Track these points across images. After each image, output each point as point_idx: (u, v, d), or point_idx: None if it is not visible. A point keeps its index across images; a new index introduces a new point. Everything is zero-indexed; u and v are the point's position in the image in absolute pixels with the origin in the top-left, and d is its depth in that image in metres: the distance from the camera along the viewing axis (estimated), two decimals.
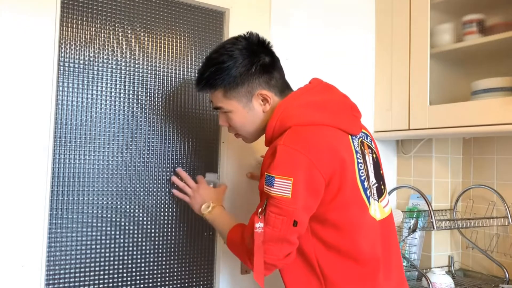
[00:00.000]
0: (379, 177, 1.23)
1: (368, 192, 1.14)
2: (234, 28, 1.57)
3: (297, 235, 1.07)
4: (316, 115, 1.12)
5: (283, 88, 1.23)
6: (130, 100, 1.43)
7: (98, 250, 1.36)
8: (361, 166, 1.14)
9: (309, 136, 1.08)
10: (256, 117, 1.21)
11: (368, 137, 1.26)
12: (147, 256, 1.44)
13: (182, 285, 1.49)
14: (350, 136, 1.16)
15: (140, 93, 1.45)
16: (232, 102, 1.20)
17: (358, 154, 1.15)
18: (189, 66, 1.54)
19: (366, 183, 1.14)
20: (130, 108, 1.43)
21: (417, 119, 1.72)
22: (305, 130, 1.09)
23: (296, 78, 1.43)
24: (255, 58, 1.17)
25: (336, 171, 1.07)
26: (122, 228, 1.40)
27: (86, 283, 1.34)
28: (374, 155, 1.24)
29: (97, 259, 1.36)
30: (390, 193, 1.87)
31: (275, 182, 1.04)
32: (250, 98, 1.19)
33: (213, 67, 1.17)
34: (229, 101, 1.20)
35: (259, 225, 1.06)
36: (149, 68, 1.47)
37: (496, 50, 1.65)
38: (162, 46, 1.49)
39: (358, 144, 1.17)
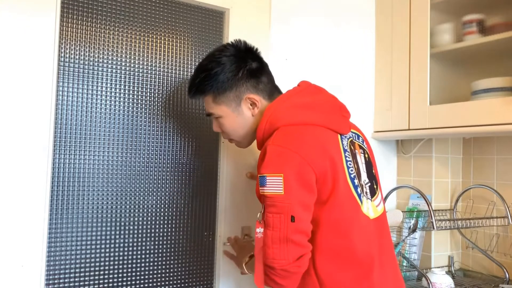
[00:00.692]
0: (372, 177, 1.24)
1: (359, 190, 1.15)
2: (234, 28, 1.58)
3: (302, 235, 1.06)
4: (304, 115, 1.15)
5: (272, 92, 1.26)
6: (130, 100, 1.43)
7: (98, 250, 1.36)
8: (350, 164, 1.15)
9: (297, 135, 1.10)
10: (245, 121, 1.24)
11: (360, 137, 1.28)
12: (147, 256, 1.44)
13: (182, 285, 1.49)
14: (339, 136, 1.18)
15: (140, 93, 1.45)
16: (221, 107, 1.23)
17: (347, 152, 1.17)
18: (189, 66, 1.54)
19: (356, 181, 1.15)
20: (130, 108, 1.43)
21: (417, 119, 1.71)
22: (294, 129, 1.12)
23: (296, 78, 1.44)
24: (242, 64, 1.21)
25: (328, 169, 1.09)
26: (122, 228, 1.40)
27: (86, 283, 1.34)
28: (367, 155, 1.26)
29: (97, 259, 1.36)
30: (390, 193, 1.87)
31: (267, 180, 1.06)
32: (239, 102, 1.22)
33: (202, 74, 1.22)
34: (218, 106, 1.24)
35: (259, 229, 1.07)
36: (149, 68, 1.47)
37: (496, 50, 1.65)
38: (162, 46, 1.49)
39: (347, 143, 1.19)
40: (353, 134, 1.25)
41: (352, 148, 1.20)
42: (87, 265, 1.35)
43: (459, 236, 1.91)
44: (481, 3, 1.69)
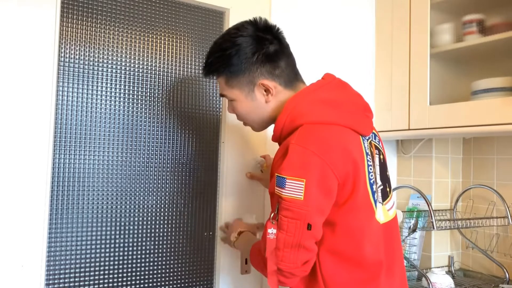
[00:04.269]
0: (385, 179, 1.19)
1: (375, 195, 1.11)
2: None
3: (314, 240, 1.03)
4: (328, 113, 1.08)
5: (291, 78, 1.17)
6: (130, 100, 1.43)
7: (98, 250, 1.36)
8: (370, 169, 1.11)
9: (322, 136, 1.04)
10: (260, 107, 1.17)
11: (376, 138, 1.23)
12: (147, 256, 1.44)
13: (182, 285, 1.49)
14: (361, 137, 1.13)
15: (140, 93, 1.45)
16: (234, 90, 1.17)
17: (368, 156, 1.12)
18: (189, 66, 1.54)
19: (374, 186, 1.11)
20: (130, 108, 1.43)
21: (417, 119, 1.71)
22: (318, 129, 1.05)
23: None
24: (258, 47, 1.13)
25: (350, 172, 1.04)
26: (122, 228, 1.40)
27: (86, 283, 1.34)
28: (381, 156, 1.21)
29: (97, 259, 1.36)
30: None
31: (286, 183, 1.00)
32: (252, 87, 1.15)
33: (216, 53, 1.16)
34: (231, 89, 1.17)
35: (271, 230, 1.02)
36: (149, 68, 1.47)
37: (496, 50, 1.65)
38: (162, 46, 1.49)
39: (368, 145, 1.14)
40: (372, 135, 1.20)
41: (371, 149, 1.15)
42: (87, 265, 1.35)
43: (459, 236, 1.91)
44: (481, 3, 1.69)
